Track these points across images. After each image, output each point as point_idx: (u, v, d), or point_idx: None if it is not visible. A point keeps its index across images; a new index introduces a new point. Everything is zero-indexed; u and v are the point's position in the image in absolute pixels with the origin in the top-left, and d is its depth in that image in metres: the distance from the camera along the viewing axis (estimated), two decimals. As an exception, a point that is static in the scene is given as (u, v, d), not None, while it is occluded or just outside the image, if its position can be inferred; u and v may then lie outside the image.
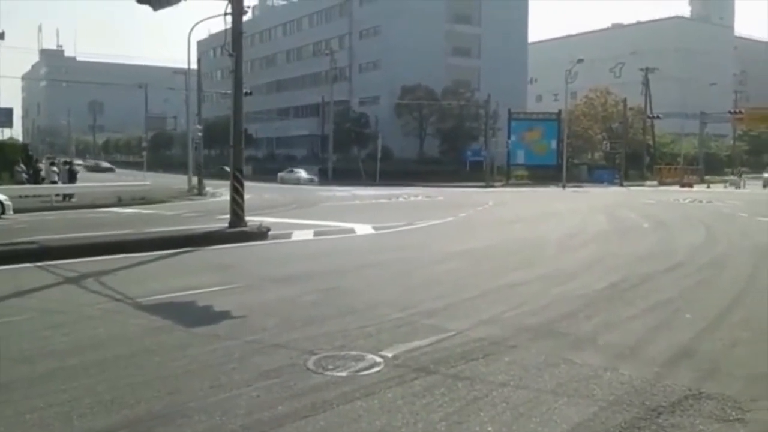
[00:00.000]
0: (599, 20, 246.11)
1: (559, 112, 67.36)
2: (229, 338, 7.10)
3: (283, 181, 59.85)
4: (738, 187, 57.20)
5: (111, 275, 11.03)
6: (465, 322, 7.84)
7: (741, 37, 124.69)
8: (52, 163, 35.03)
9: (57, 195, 29.15)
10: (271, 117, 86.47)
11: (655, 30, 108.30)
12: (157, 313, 8.26)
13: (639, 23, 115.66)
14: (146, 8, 16.29)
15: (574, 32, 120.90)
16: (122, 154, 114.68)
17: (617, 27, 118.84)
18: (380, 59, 75.10)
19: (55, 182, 31.49)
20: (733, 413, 5.14)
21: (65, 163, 36.11)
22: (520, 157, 66.43)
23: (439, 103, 68.20)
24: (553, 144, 65.70)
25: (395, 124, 69.73)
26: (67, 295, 9.62)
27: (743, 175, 63.96)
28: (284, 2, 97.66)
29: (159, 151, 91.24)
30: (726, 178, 65.97)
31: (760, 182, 59.42)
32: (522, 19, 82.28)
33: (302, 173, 62.43)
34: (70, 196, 30.22)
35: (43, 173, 33.84)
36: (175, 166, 70.17)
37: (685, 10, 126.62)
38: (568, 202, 34.59)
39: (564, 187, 55.03)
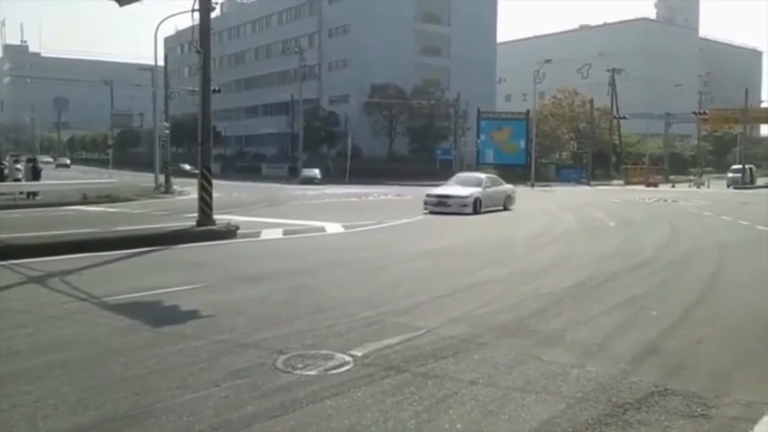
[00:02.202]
0: (567, 21, 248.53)
1: (528, 112, 67.94)
2: (197, 338, 7.03)
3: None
4: (699, 186, 58.17)
5: (76, 274, 10.86)
6: (435, 321, 7.85)
7: (706, 39, 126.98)
8: (16, 161, 34.39)
9: (21, 193, 28.64)
10: (240, 115, 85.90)
11: (621, 32, 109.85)
12: (124, 312, 8.14)
13: (606, 25, 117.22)
14: (112, 4, 16.09)
15: (542, 33, 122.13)
16: (88, 151, 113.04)
17: (585, 28, 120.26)
18: (350, 58, 75.01)
19: (18, 180, 30.91)
20: (698, 409, 5.22)
21: (29, 160, 35.46)
22: (489, 156, 66.84)
23: (408, 102, 68.32)
24: (522, 143, 66.27)
25: (365, 122, 69.72)
26: (32, 295, 9.43)
27: (704, 175, 65.15)
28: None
29: (125, 149, 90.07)
30: (690, 178, 67.16)
31: (724, 182, 60.56)
32: (491, 20, 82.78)
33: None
34: (35, 194, 29.72)
35: (6, 171, 33.20)
36: (142, 164, 69.32)
37: (651, 13, 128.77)
38: (536, 201, 34.88)
39: (532, 186, 55.49)
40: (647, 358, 6.60)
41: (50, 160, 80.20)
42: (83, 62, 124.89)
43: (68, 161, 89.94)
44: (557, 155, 77.70)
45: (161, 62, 45.29)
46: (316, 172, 59.82)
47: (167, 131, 41.20)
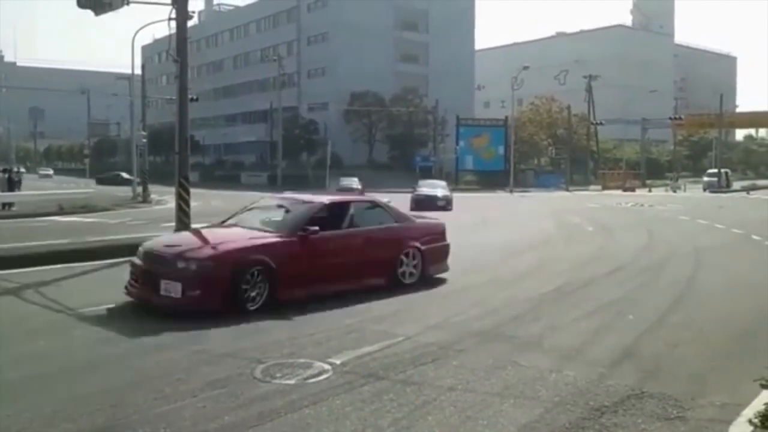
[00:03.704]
0: (544, 29, 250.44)
1: (506, 118, 68.25)
2: (175, 348, 6.98)
3: None
4: (675, 190, 58.76)
5: (52, 286, 10.72)
6: (414, 327, 7.87)
7: (681, 45, 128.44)
8: (-8, 171, 34.02)
9: (-4, 204, 28.32)
10: (219, 123, 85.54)
11: (597, 38, 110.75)
12: (101, 324, 8.08)
13: (582, 32, 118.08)
14: (88, 13, 15.96)
15: (519, 40, 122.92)
16: (64, 161, 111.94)
17: (561, 35, 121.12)
18: (328, 66, 75.03)
19: (-6, 191, 30.59)
20: (674, 412, 5.28)
21: (4, 171, 35.07)
22: (469, 163, 67.12)
23: (387, 109, 68.47)
24: (501, 150, 66.62)
25: (344, 130, 69.74)
26: (7, 307, 9.30)
27: (680, 179, 65.79)
28: (231, 7, 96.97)
29: (102, 158, 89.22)
30: (667, 182, 67.81)
31: (701, 186, 61.21)
32: (469, 27, 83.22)
33: None
34: (10, 204, 29.38)
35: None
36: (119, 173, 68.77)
37: (627, 19, 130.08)
38: (515, 207, 35.02)
39: (512, 192, 55.72)
40: (624, 362, 6.66)
41: (51, 171, 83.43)
42: (59, 71, 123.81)
43: (51, 171, 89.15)
44: (536, 161, 78.15)
45: (138, 71, 44.88)
46: (440, 184, 36.25)
47: (144, 140, 40.92)
